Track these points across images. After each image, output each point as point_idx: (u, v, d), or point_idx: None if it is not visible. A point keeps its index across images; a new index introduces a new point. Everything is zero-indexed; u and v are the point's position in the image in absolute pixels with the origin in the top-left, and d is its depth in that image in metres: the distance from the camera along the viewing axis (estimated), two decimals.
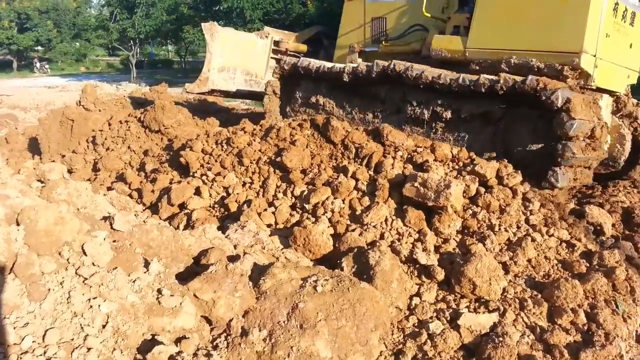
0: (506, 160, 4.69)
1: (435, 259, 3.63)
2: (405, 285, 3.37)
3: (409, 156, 4.70)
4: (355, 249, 3.65)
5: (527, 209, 4.12)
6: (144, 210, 4.86)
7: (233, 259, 3.27)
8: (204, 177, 4.92)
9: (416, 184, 4.09)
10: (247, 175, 4.89)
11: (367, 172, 4.56)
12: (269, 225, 4.29)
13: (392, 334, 3.08)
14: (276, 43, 8.37)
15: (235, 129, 5.53)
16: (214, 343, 2.64)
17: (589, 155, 4.67)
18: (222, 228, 4.11)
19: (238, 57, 7.88)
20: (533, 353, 2.88)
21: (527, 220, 4.02)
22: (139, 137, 6.40)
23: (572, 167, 4.69)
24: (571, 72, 4.94)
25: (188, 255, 3.23)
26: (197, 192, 4.75)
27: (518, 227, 3.96)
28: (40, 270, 2.35)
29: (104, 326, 2.28)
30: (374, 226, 4.01)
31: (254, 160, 4.99)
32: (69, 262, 2.45)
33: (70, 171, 5.90)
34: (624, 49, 5.51)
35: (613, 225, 4.31)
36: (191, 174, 5.08)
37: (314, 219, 4.17)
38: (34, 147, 7.25)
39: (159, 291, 2.63)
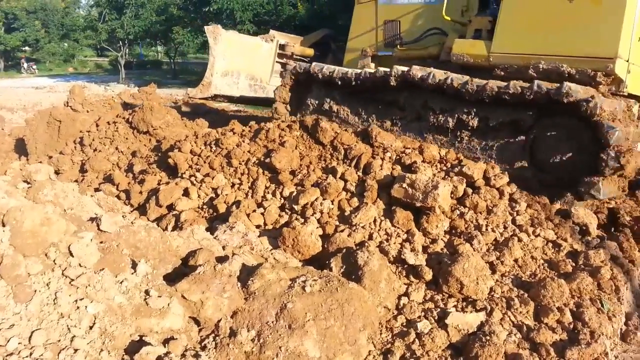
0: (540, 171, 4.64)
1: (423, 259, 3.66)
2: (393, 285, 3.38)
3: (398, 157, 4.73)
4: (344, 250, 3.67)
5: (514, 209, 4.16)
6: (132, 211, 4.84)
7: (222, 259, 3.27)
8: (192, 178, 4.91)
9: (404, 185, 4.11)
10: (236, 176, 4.89)
11: (356, 173, 4.58)
12: (257, 226, 4.29)
13: (381, 334, 3.10)
14: (282, 47, 8.11)
15: (224, 130, 5.53)
16: (202, 344, 2.64)
17: (631, 164, 4.46)
18: (211, 229, 4.10)
19: (242, 61, 7.64)
20: (520, 352, 2.91)
21: (513, 221, 4.06)
22: (127, 138, 6.36)
23: (613, 176, 4.53)
24: (604, 79, 4.78)
25: (176, 256, 3.22)
26: (186, 193, 4.74)
27: (505, 228, 4.00)
28: (26, 271, 2.34)
29: (91, 327, 2.27)
30: (362, 227, 4.03)
31: (243, 161, 4.99)
32: (55, 263, 2.44)
33: (57, 172, 5.86)
34: None
35: (598, 225, 4.37)
36: (179, 175, 5.06)
37: (302, 220, 4.17)
38: (21, 148, 7.18)
39: (147, 292, 2.62)
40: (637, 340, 3.35)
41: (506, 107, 4.87)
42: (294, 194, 4.48)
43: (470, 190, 4.27)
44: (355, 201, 4.29)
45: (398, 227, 4.03)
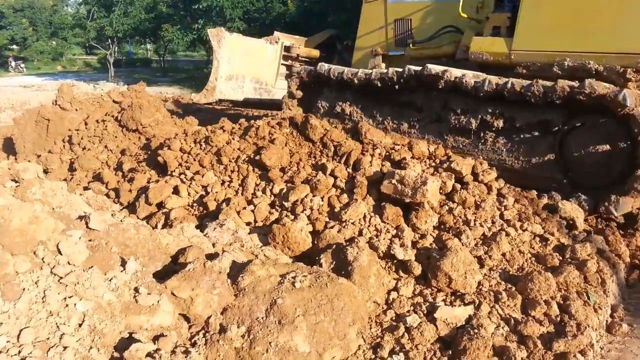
0: (569, 172, 4.54)
1: (412, 254, 3.68)
2: (383, 280, 3.41)
3: (387, 154, 4.76)
4: (334, 246, 3.68)
5: (502, 204, 4.20)
6: (121, 209, 4.83)
7: (212, 257, 3.27)
8: (182, 176, 4.91)
9: (394, 181, 4.13)
10: (226, 173, 4.89)
11: (346, 169, 4.60)
12: (248, 224, 4.30)
13: (370, 328, 3.12)
14: (287, 48, 7.91)
15: (214, 128, 5.52)
16: (192, 340, 2.64)
17: None
18: (201, 227, 4.10)
19: (247, 65, 7.43)
20: (507, 344, 2.94)
21: (501, 216, 4.10)
22: (116, 137, 6.34)
23: None
24: (634, 75, 4.64)
25: (166, 254, 3.22)
26: (176, 191, 4.74)
27: (493, 222, 4.04)
28: (15, 269, 2.33)
29: (80, 325, 2.27)
30: (352, 223, 4.05)
31: (233, 158, 4.99)
32: (43, 262, 2.43)
33: (46, 171, 5.82)
34: None
35: (585, 219, 4.42)
36: (169, 173, 5.06)
37: (292, 217, 4.18)
38: (9, 147, 7.13)
39: (136, 290, 2.62)
40: (622, 332, 3.40)
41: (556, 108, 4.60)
42: (284, 190, 4.49)
43: (458, 186, 4.31)
44: (345, 197, 4.31)
45: (387, 223, 4.06)
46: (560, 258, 3.75)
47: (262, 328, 2.70)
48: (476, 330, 2.94)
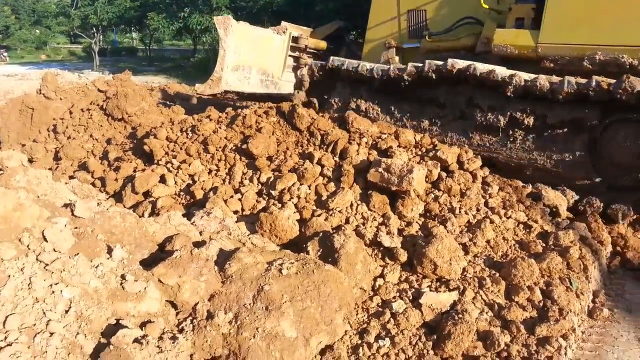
0: (605, 173, 4.35)
1: (398, 241, 3.72)
2: (369, 267, 3.44)
3: (374, 142, 4.78)
4: (321, 233, 3.71)
5: (487, 192, 4.25)
6: (107, 198, 4.80)
7: (199, 245, 3.27)
8: (169, 165, 4.89)
9: (380, 170, 4.16)
10: (213, 162, 4.88)
11: (333, 158, 4.61)
12: (235, 212, 4.30)
13: (357, 314, 3.16)
14: (295, 39, 7.56)
15: (201, 117, 5.50)
16: (180, 327, 2.65)
17: None
18: (188, 215, 4.09)
19: (254, 55, 7.04)
20: (491, 329, 3.00)
21: (486, 203, 4.16)
22: (101, 126, 6.29)
23: None
24: None
25: (153, 241, 3.21)
26: (162, 180, 4.72)
27: (478, 210, 4.09)
28: (0, 257, 2.32)
29: (66, 311, 2.27)
30: (339, 211, 4.08)
31: (220, 147, 4.98)
32: (29, 249, 2.42)
33: (30, 160, 5.77)
34: None
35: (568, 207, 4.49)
36: (156, 161, 5.03)
37: (280, 205, 4.20)
38: None
39: (123, 277, 2.62)
40: (602, 317, 3.48)
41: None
42: (271, 179, 4.50)
43: (444, 174, 4.35)
44: (332, 186, 4.32)
45: (374, 211, 4.09)
46: (544, 245, 3.81)
47: (250, 314, 2.71)
48: (460, 316, 2.98)
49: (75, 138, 6.16)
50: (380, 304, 3.24)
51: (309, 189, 4.34)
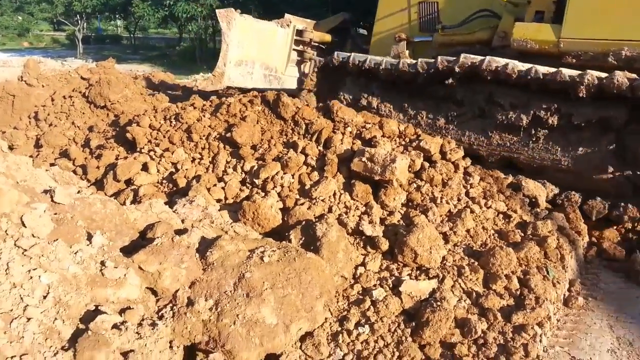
0: (634, 175, 4.15)
1: (380, 230, 3.75)
2: (350, 255, 3.47)
3: (358, 132, 4.79)
4: (304, 222, 3.73)
5: (468, 182, 4.30)
6: (88, 186, 4.76)
7: (180, 232, 3.27)
8: (151, 153, 4.86)
9: (364, 159, 4.18)
10: (197, 151, 4.86)
11: (317, 147, 4.62)
12: (218, 201, 4.30)
13: (337, 302, 3.20)
14: (299, 32, 7.30)
15: (185, 105, 5.46)
16: (160, 313, 2.66)
17: None
18: (170, 203, 4.08)
19: (257, 49, 6.79)
20: (469, 316, 3.05)
21: (467, 193, 4.21)
22: (83, 113, 6.22)
23: None
24: None
25: (134, 229, 3.20)
26: (145, 167, 4.69)
27: (459, 200, 4.14)
28: None
29: (44, 297, 2.26)
30: (322, 200, 4.09)
31: (204, 136, 4.96)
32: (7, 234, 2.40)
33: (11, 147, 5.70)
34: None
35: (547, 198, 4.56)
36: (138, 149, 5.00)
37: (263, 194, 4.20)
38: None
39: (102, 263, 2.61)
40: (578, 305, 3.55)
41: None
42: (255, 168, 4.50)
43: (427, 164, 4.38)
44: (315, 175, 4.34)
45: (357, 200, 4.11)
46: (522, 234, 3.87)
47: (230, 301, 2.73)
48: (439, 303, 3.03)
49: (57, 125, 6.08)
50: (360, 292, 3.28)
51: (293, 178, 4.34)
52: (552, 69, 4.36)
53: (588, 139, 4.41)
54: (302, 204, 4.02)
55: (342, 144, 4.59)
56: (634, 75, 4.12)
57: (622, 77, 4.08)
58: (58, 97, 6.53)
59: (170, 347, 2.51)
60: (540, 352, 2.96)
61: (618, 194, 4.38)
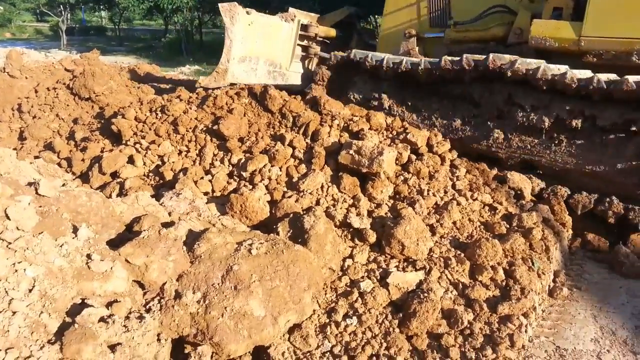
0: None
1: (368, 222, 3.77)
2: (338, 247, 3.48)
3: (345, 125, 4.80)
4: (291, 215, 3.73)
5: (454, 175, 4.34)
6: (73, 179, 4.71)
7: (167, 225, 3.25)
8: (137, 146, 4.82)
9: (351, 152, 4.19)
10: (183, 143, 4.83)
11: (304, 140, 4.62)
12: (205, 194, 4.28)
13: (325, 294, 3.21)
14: (304, 27, 7.03)
15: (171, 97, 5.42)
16: (147, 306, 2.64)
17: None
18: (157, 196, 4.05)
19: (261, 45, 6.52)
20: (455, 307, 3.09)
21: (453, 186, 4.24)
22: (68, 105, 6.13)
23: None
24: None
25: (120, 222, 3.18)
26: (131, 160, 4.65)
27: (445, 192, 4.17)
28: None
29: (30, 290, 2.23)
30: (310, 193, 4.09)
31: (190, 128, 4.93)
32: None
33: None
34: None
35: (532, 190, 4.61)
36: (124, 142, 4.95)
37: (251, 187, 4.19)
38: None
39: (88, 256, 2.59)
40: (562, 296, 3.61)
41: None
42: (242, 160, 4.49)
43: (414, 157, 4.41)
44: (303, 168, 4.34)
45: (344, 193, 4.12)
46: (508, 226, 3.92)
47: (218, 293, 2.72)
48: (426, 294, 3.06)
49: (41, 117, 6.00)
50: (348, 284, 3.29)
51: (280, 170, 4.34)
52: (614, 76, 4.16)
53: (614, 142, 4.30)
54: (289, 197, 4.02)
55: (329, 136, 4.59)
56: None
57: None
58: (42, 89, 6.43)
59: (158, 340, 2.50)
60: (526, 342, 3.01)
61: None
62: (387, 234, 3.53)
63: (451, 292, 3.21)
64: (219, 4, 6.30)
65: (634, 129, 4.15)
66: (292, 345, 2.84)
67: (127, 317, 2.47)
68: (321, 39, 7.19)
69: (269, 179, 4.26)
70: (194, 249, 2.97)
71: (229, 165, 4.52)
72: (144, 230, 2.96)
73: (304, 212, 3.78)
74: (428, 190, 4.14)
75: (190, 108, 5.14)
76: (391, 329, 2.95)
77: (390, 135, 4.73)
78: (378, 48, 6.71)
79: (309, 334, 2.87)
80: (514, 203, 4.27)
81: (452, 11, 6.20)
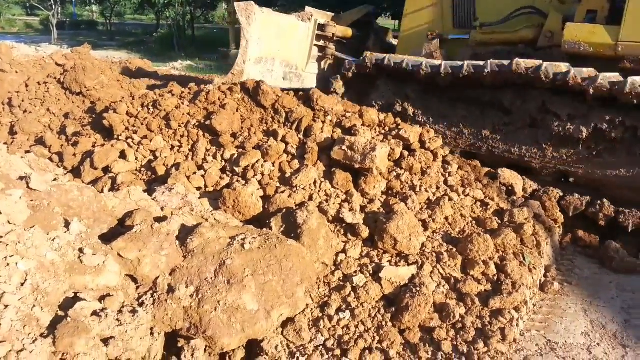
0: None
1: (360, 218, 3.78)
2: (331, 242, 3.49)
3: (338, 121, 4.80)
4: (284, 210, 3.73)
5: (446, 170, 4.36)
6: (65, 174, 4.67)
7: (160, 220, 3.24)
8: (129, 140, 4.79)
9: (344, 147, 4.19)
10: (176, 138, 4.81)
11: (297, 135, 4.62)
12: (198, 189, 4.27)
13: (319, 288, 3.22)
14: (321, 27, 6.81)
15: (163, 92, 5.39)
16: (140, 300, 2.64)
17: None
18: (149, 191, 4.03)
19: (278, 45, 6.33)
20: (447, 301, 3.11)
21: (445, 182, 4.26)
22: (59, 100, 6.09)
23: None
24: None
25: (112, 216, 3.17)
26: (123, 155, 4.62)
27: (437, 188, 4.19)
28: None
29: (22, 284, 2.22)
30: (303, 188, 4.09)
31: (183, 123, 4.91)
32: None
33: None
34: None
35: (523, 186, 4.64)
36: (116, 137, 4.92)
37: (244, 182, 4.19)
38: None
39: (81, 250, 2.58)
40: (553, 290, 3.64)
41: None
42: (235, 156, 4.48)
43: (406, 153, 4.42)
44: (296, 163, 4.34)
45: (337, 188, 4.13)
46: (499, 221, 3.95)
47: (211, 288, 2.72)
48: (418, 289, 3.08)
49: (32, 112, 5.95)
50: (341, 278, 3.31)
51: (273, 166, 4.34)
52: None
53: None
54: (282, 192, 4.02)
55: (322, 132, 4.59)
56: None
57: None
58: (32, 83, 6.38)
59: (151, 333, 2.50)
60: (517, 335, 3.04)
61: None
62: (379, 229, 3.54)
63: (443, 286, 3.23)
64: (235, 4, 6.09)
65: None
66: (285, 339, 2.85)
67: (120, 311, 2.47)
68: (338, 38, 7.01)
69: (262, 174, 4.26)
70: (186, 244, 2.96)
71: (221, 161, 4.51)
72: (137, 225, 2.95)
73: (297, 207, 3.78)
74: (420, 186, 4.16)
75: (183, 103, 5.12)
76: (384, 323, 2.96)
77: (383, 131, 4.74)
78: (398, 49, 6.50)
79: (302, 328, 2.89)
80: (505, 199, 4.30)
81: (477, 12, 6.00)
